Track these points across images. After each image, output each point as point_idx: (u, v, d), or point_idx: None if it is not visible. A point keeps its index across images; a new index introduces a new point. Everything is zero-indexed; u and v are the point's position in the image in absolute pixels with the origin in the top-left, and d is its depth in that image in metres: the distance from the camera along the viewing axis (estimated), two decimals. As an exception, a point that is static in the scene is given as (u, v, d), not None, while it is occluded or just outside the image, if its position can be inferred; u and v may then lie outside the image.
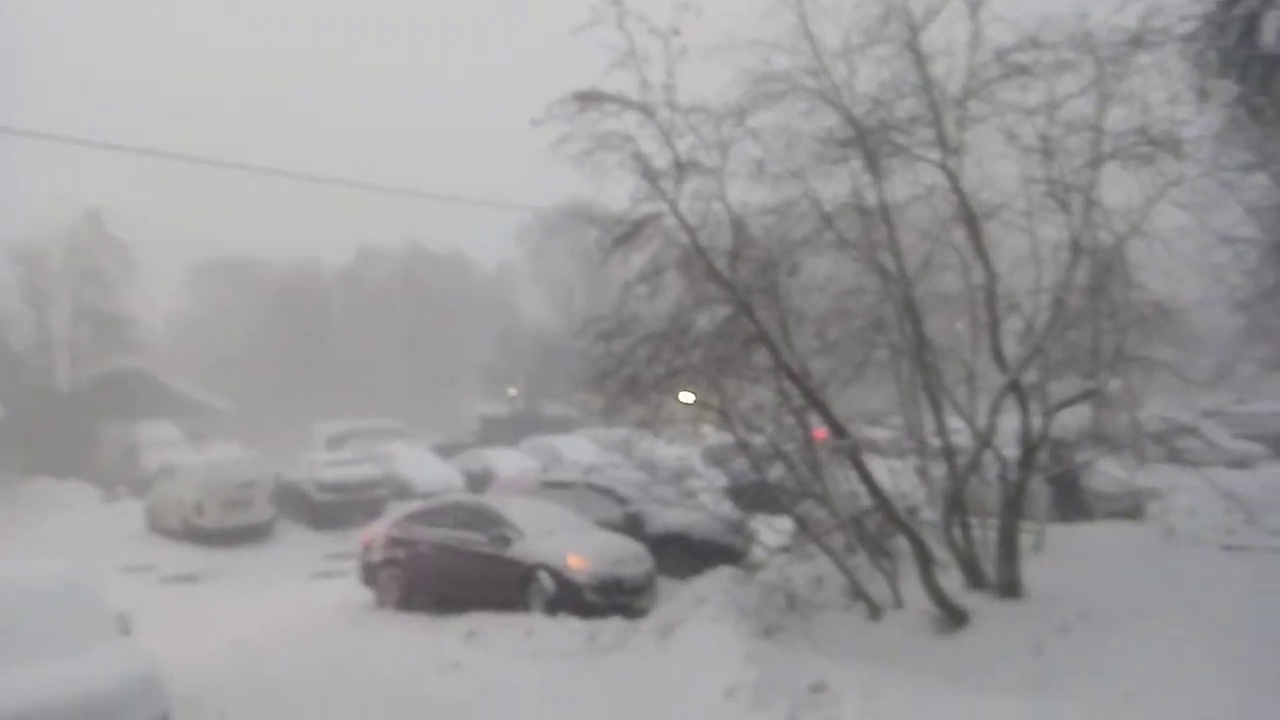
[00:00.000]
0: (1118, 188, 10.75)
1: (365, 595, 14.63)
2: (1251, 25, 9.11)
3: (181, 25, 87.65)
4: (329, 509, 23.57)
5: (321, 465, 25.13)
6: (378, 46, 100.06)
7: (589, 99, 10.67)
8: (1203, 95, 9.80)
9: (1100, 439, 12.19)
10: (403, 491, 24.91)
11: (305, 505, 23.83)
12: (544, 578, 12.48)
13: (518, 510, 13.93)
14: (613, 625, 11.19)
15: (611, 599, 12.35)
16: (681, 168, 10.98)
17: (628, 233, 11.37)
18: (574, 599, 12.20)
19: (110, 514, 27.28)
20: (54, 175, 44.71)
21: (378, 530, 15.29)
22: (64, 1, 76.38)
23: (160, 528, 23.45)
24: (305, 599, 15.27)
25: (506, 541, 13.09)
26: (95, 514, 27.76)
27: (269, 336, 57.85)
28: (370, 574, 14.62)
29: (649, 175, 11.04)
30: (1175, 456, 13.17)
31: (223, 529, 21.80)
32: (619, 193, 11.33)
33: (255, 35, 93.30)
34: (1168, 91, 10.13)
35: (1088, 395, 11.14)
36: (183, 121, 61.40)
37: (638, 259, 11.84)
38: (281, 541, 22.51)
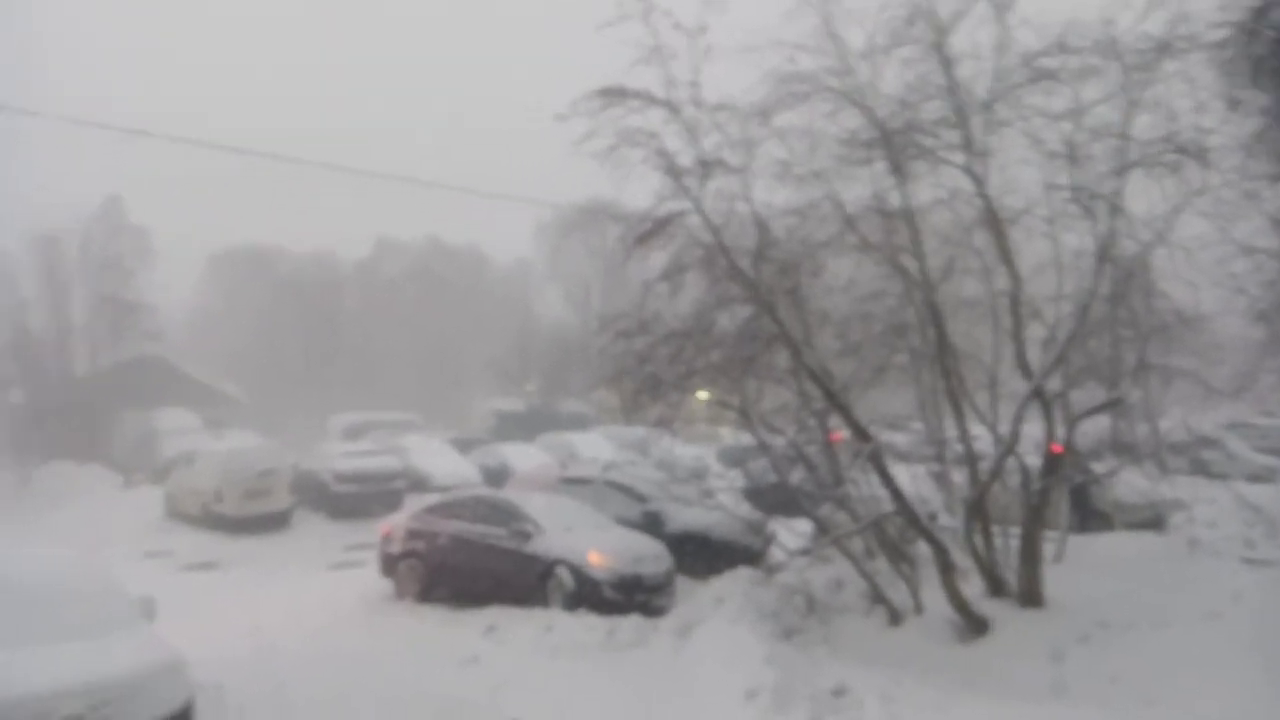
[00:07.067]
0: (1141, 195, 10.71)
1: (384, 586, 14.67)
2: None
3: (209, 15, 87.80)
4: (347, 499, 23.63)
5: (340, 456, 25.13)
6: (403, 41, 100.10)
7: (613, 95, 10.65)
8: (1233, 104, 9.72)
9: (1121, 448, 12.14)
10: (420, 484, 24.97)
11: (323, 495, 23.92)
12: (564, 574, 12.50)
13: (538, 505, 13.97)
14: (632, 623, 11.22)
15: (631, 597, 12.34)
16: (706, 166, 10.97)
17: (650, 230, 11.37)
18: (593, 596, 12.23)
19: (129, 500, 27.43)
20: (74, 161, 45.00)
21: (397, 522, 15.29)
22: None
23: (179, 514, 23.62)
24: (324, 589, 15.35)
25: (526, 536, 13.11)
26: (114, 500, 27.93)
27: (284, 327, 58.02)
28: (389, 565, 14.63)
29: (673, 173, 11.04)
30: (1198, 468, 13.10)
31: (242, 517, 21.95)
32: (641, 190, 11.36)
33: (276, 25, 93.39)
34: (1194, 99, 10.06)
35: (1111, 404, 11.09)
36: (207, 110, 61.76)
37: (658, 257, 11.87)
38: (299, 531, 22.61)
